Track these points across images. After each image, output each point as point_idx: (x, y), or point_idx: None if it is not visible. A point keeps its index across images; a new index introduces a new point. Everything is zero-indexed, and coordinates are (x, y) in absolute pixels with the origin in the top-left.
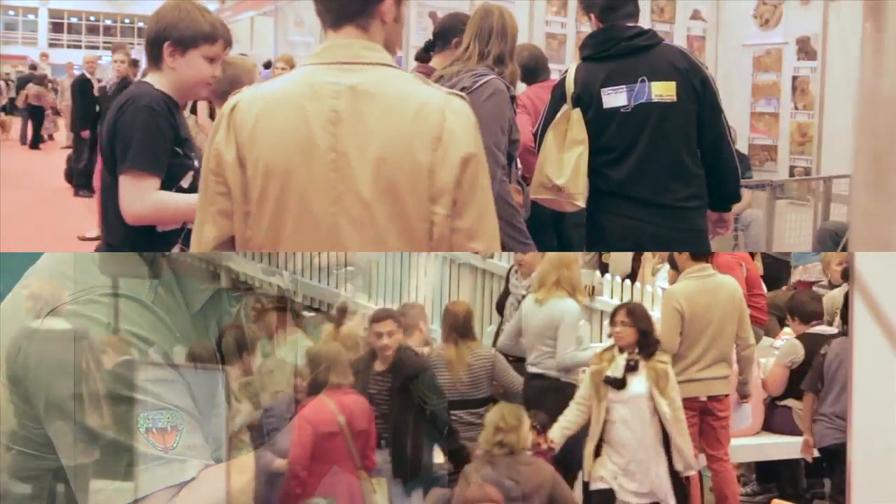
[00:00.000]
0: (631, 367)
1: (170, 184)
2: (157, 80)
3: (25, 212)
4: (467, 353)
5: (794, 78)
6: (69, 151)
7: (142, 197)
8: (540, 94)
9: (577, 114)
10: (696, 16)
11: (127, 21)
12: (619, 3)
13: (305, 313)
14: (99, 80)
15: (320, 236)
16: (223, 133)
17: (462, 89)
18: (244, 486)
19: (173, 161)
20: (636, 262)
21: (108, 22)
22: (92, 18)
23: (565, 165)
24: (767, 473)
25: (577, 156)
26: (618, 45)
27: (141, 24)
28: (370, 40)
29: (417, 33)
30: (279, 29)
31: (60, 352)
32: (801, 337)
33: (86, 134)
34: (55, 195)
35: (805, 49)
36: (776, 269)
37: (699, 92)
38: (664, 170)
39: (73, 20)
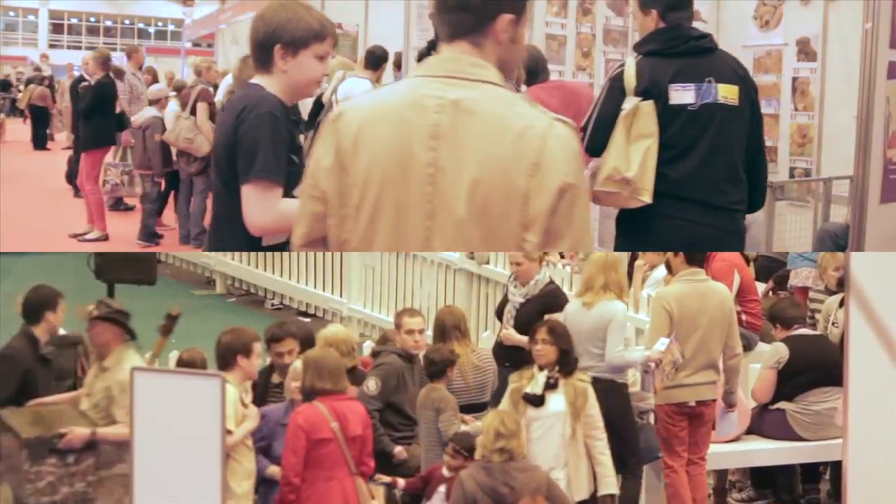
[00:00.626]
0: (550, 385)
1: (284, 192)
2: (268, 83)
3: (25, 213)
4: (472, 354)
5: (794, 79)
6: (69, 153)
7: (268, 208)
8: (540, 94)
9: (648, 106)
10: (695, 16)
11: (127, 22)
12: (683, 3)
13: (300, 319)
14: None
15: (411, 248)
16: (326, 140)
17: None
18: (246, 492)
19: (289, 169)
20: (632, 268)
21: (109, 23)
22: (92, 19)
23: (633, 158)
24: (763, 479)
25: (646, 149)
26: (686, 44)
27: (141, 25)
28: (482, 57)
29: (418, 34)
30: None
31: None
32: (786, 340)
33: None
34: (56, 196)
35: (805, 50)
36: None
37: (753, 100)
38: (721, 172)
39: (74, 21)
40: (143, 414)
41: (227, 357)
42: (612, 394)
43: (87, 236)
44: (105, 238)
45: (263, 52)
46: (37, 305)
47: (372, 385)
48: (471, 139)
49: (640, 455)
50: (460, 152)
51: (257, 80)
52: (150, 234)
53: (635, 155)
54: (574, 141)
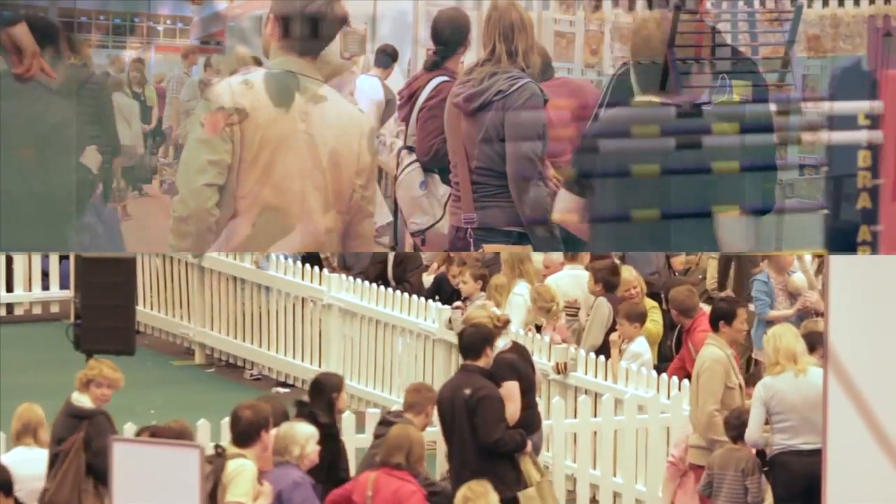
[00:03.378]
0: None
1: None
2: None
3: None
4: None
5: (804, 76)
6: None
7: None
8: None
9: None
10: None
11: (136, 20)
12: None
13: (280, 389)
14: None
15: (294, 191)
16: (229, 102)
17: (498, 92)
18: None
19: None
20: (608, 336)
21: (117, 21)
22: (101, 17)
23: None
24: None
25: None
26: None
27: (150, 24)
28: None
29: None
30: None
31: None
32: None
33: None
34: None
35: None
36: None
37: None
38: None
39: (83, 20)
40: (122, 483)
41: (251, 433)
42: None
43: None
44: None
45: None
46: (479, 341)
47: None
48: (328, 115)
49: None
50: (322, 124)
51: None
52: None
53: None
54: (371, 118)
